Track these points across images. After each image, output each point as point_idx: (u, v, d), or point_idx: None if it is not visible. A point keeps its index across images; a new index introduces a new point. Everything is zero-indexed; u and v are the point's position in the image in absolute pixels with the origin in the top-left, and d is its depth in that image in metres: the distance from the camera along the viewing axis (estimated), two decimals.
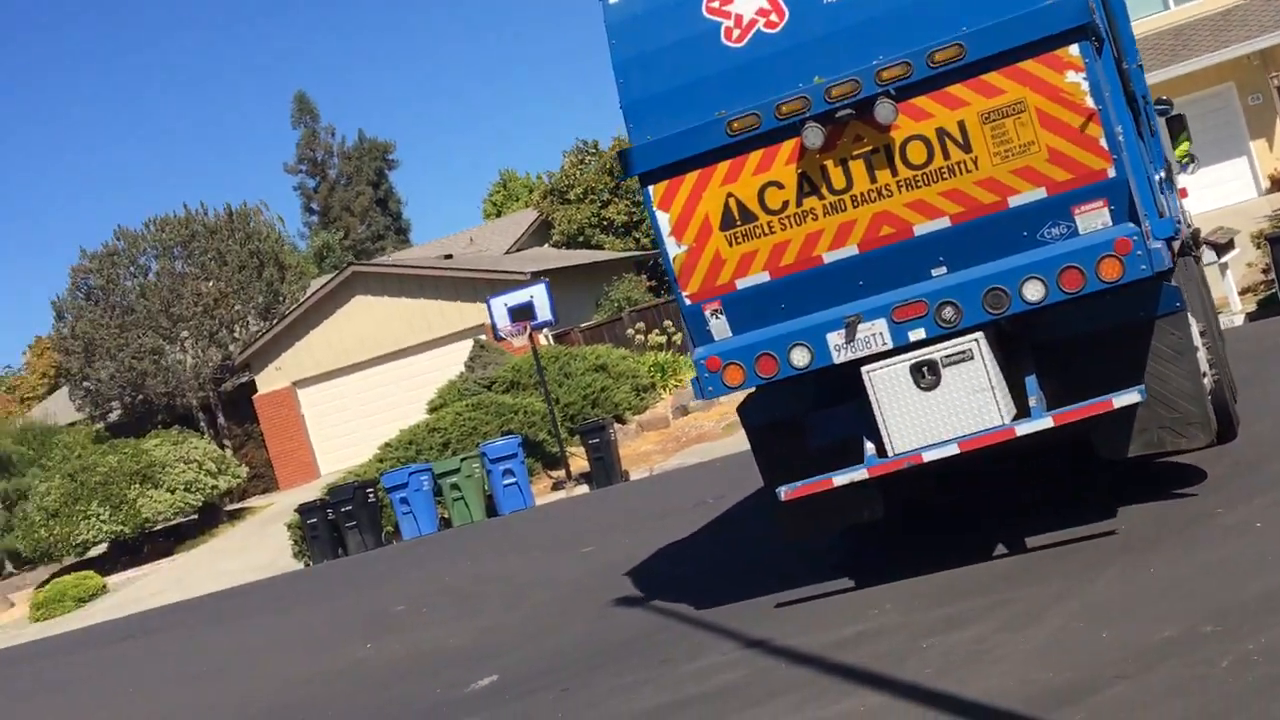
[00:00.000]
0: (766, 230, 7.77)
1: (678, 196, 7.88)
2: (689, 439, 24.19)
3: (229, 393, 35.55)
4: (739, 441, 22.36)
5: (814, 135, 7.46)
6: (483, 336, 31.31)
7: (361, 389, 34.22)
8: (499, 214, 60.09)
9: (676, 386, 29.07)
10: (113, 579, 29.54)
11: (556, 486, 23.39)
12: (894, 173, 7.48)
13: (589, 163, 40.74)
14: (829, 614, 7.75)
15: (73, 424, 38.00)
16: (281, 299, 36.03)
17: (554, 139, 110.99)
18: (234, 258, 35.38)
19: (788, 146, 7.63)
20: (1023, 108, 7.20)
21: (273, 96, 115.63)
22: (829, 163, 7.59)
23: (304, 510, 24.07)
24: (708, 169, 7.79)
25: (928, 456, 7.44)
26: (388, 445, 26.13)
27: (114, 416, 36.09)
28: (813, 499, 7.91)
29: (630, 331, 31.20)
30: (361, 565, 21.07)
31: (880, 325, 7.60)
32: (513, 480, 22.52)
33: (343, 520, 23.50)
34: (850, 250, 7.66)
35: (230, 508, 32.98)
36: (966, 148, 7.33)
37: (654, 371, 29.32)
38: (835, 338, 7.68)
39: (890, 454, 7.56)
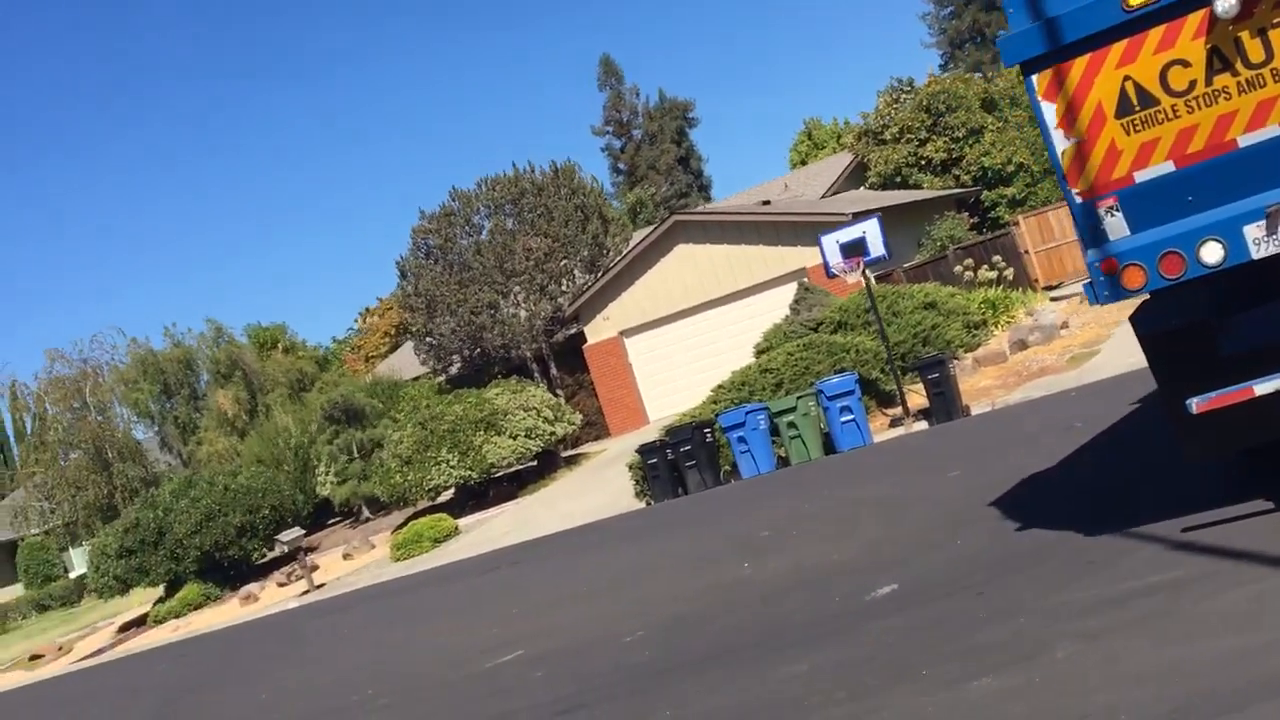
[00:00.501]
0: (1170, 114, 7.21)
1: (1066, 84, 7.37)
2: (1030, 374, 23.58)
3: (560, 344, 36.75)
4: (1084, 374, 21.73)
5: (1227, 3, 6.88)
6: (806, 279, 31.33)
7: (685, 336, 34.79)
8: (804, 163, 59.86)
9: (1009, 323, 28.40)
10: (462, 521, 31.09)
11: (894, 423, 23.22)
12: None
13: (904, 101, 40.03)
14: (1251, 535, 7.39)
15: (416, 378, 40.10)
16: (606, 251, 36.93)
17: (857, 85, 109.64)
18: (560, 213, 36.46)
19: (1194, 20, 7.08)
20: None
21: (580, 61, 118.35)
22: (1244, 34, 6.99)
23: (644, 451, 24.70)
24: (1100, 51, 7.26)
25: None
26: (720, 387, 26.49)
27: (454, 369, 37.84)
28: (1222, 413, 7.28)
29: (958, 269, 30.61)
30: (705, 501, 21.51)
31: None
32: (850, 417, 22.47)
33: (682, 460, 23.99)
34: (1271, 131, 7.02)
35: (566, 454, 34.16)
36: None
37: (984, 308, 28.71)
38: (1253, 230, 7.06)
39: None
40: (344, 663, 14.28)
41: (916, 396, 23.52)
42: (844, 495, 14.81)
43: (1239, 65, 7.05)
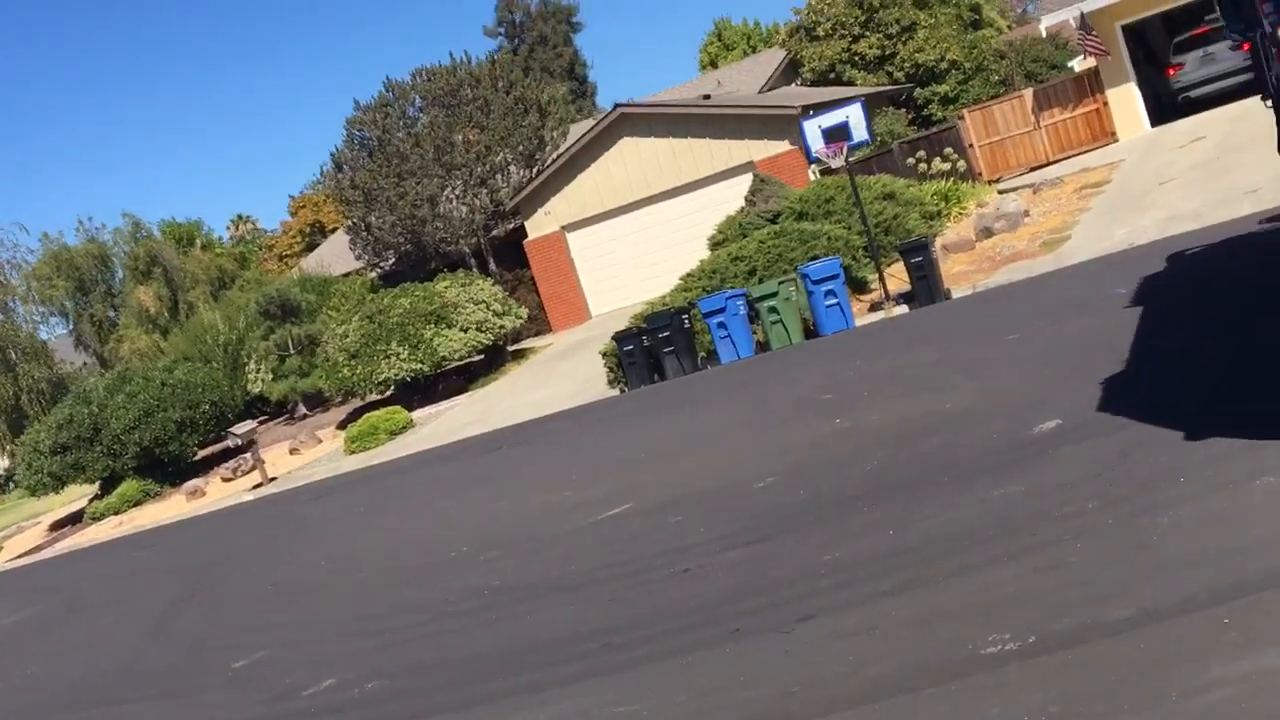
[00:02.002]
0: None
1: None
2: (1003, 259, 24.04)
3: (500, 239, 36.40)
4: (1061, 258, 22.25)
5: None
6: (759, 171, 31.36)
7: (629, 230, 34.71)
8: (714, 65, 59.69)
9: (961, 214, 28.89)
10: (415, 414, 30.83)
11: (873, 308, 23.54)
12: None
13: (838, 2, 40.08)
14: None
15: (346, 274, 39.44)
16: (544, 145, 36.54)
17: None
18: (498, 105, 35.93)
19: None
20: None
21: None
22: None
23: (621, 338, 24.69)
24: None
25: None
26: (689, 275, 26.54)
27: (389, 265, 37.28)
28: None
29: (910, 160, 30.95)
30: (695, 384, 21.64)
31: None
32: (834, 301, 22.71)
33: (660, 346, 24.06)
34: None
35: (512, 348, 33.99)
36: None
37: (937, 199, 29.17)
38: None
39: None
40: (418, 526, 14.14)
41: (894, 281, 23.85)
42: (886, 363, 15.00)
43: None
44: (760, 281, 24.52)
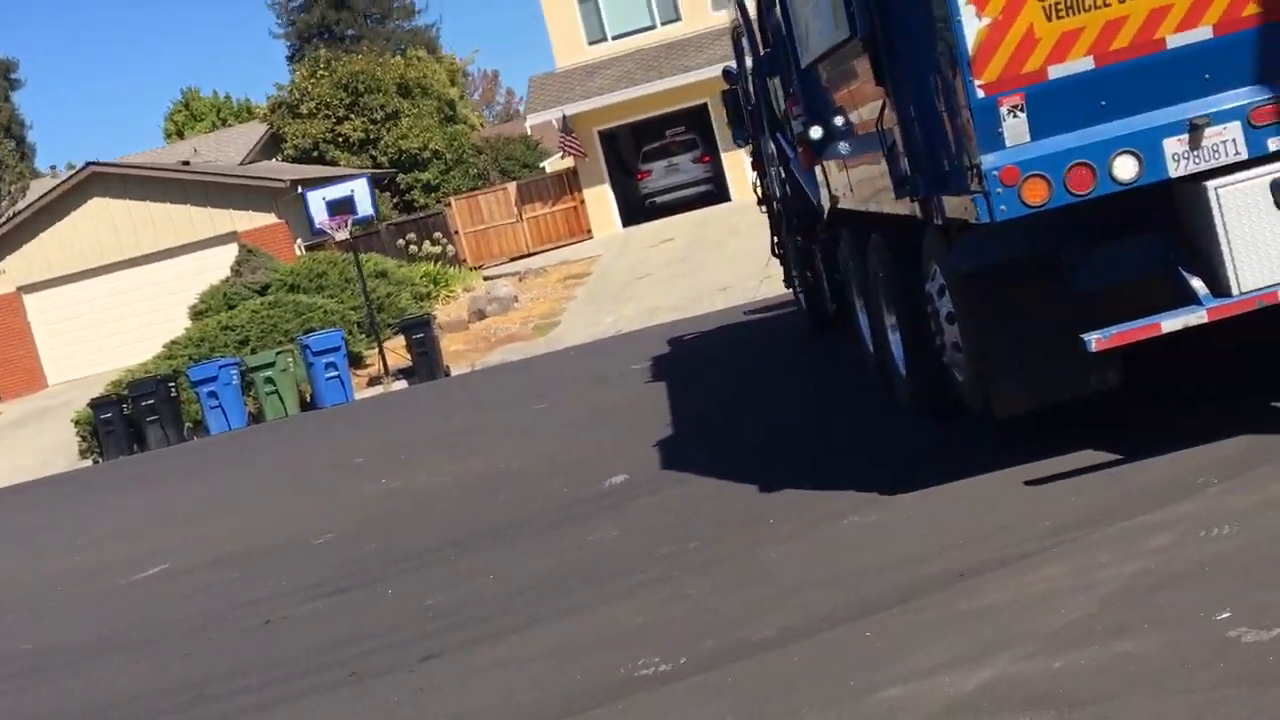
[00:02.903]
0: (1099, 2, 6.36)
1: None
2: (498, 339, 24.81)
3: None
4: (552, 341, 23.30)
5: None
6: (248, 242, 30.59)
7: (103, 295, 32.65)
8: (181, 135, 57.69)
9: (450, 297, 29.53)
10: None
11: (373, 382, 23.52)
12: None
13: (322, 78, 40.05)
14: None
15: None
16: (2, 197, 33.81)
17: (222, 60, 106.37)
18: None
19: None
20: None
21: None
22: None
23: (98, 405, 23.17)
24: None
25: None
26: (175, 343, 25.42)
27: None
28: (1029, 361, 7.06)
29: (401, 242, 31.30)
30: (188, 454, 20.67)
31: (1234, 130, 6.35)
32: (335, 374, 22.50)
33: (142, 415, 22.79)
34: (1202, 32, 6.37)
35: None
36: None
37: (427, 281, 29.69)
38: (1174, 145, 6.37)
39: (1236, 292, 6.34)
40: None
41: (392, 356, 23.94)
42: (412, 430, 15.10)
43: None
44: (253, 351, 23.87)
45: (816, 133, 10.07)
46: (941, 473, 7.39)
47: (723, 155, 32.62)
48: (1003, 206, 6.39)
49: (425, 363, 22.73)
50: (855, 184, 9.66)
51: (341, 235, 23.55)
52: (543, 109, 32.44)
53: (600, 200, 33.17)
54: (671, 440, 10.41)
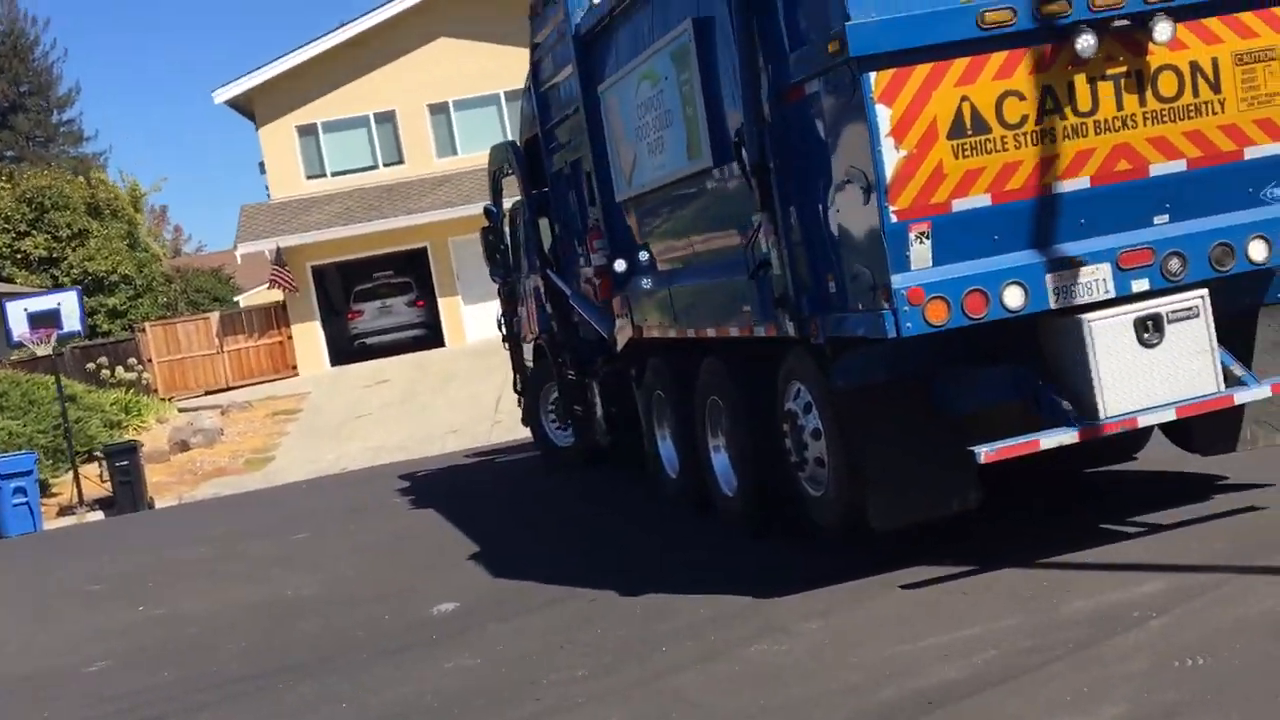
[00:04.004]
0: (999, 146, 6.89)
1: (904, 91, 6.78)
2: (205, 473, 23.22)
3: None
4: (269, 476, 21.98)
5: (1088, 42, 6.82)
6: None
7: None
8: None
9: (142, 426, 27.58)
10: None
11: (64, 511, 21.43)
12: (1142, 102, 7.03)
13: (2, 190, 37.50)
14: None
15: None
16: None
17: None
18: None
19: (1035, 53, 6.89)
20: (1274, 56, 7.17)
21: None
22: (1078, 79, 6.94)
23: None
24: (943, 63, 6.81)
25: (1143, 421, 7.06)
26: None
27: None
28: (904, 477, 7.40)
29: (91, 366, 29.14)
30: None
31: (1104, 271, 7.00)
32: (24, 500, 20.35)
33: None
34: (1082, 182, 7.03)
35: None
36: (1216, 88, 7.11)
37: (118, 408, 27.68)
38: (1053, 280, 6.96)
39: (1103, 415, 6.91)
40: None
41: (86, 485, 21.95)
42: (137, 560, 13.67)
43: (1068, 110, 6.98)
44: None
45: (621, 265, 10.58)
46: (817, 592, 7.33)
47: (439, 300, 32.17)
48: (908, 324, 6.76)
49: (127, 493, 20.91)
50: (682, 311, 9.82)
51: (44, 350, 21.72)
52: (254, 239, 31.23)
53: (309, 336, 32.00)
54: (489, 568, 9.72)
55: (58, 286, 36.69)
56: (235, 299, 43.87)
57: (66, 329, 21.49)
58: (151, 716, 7.28)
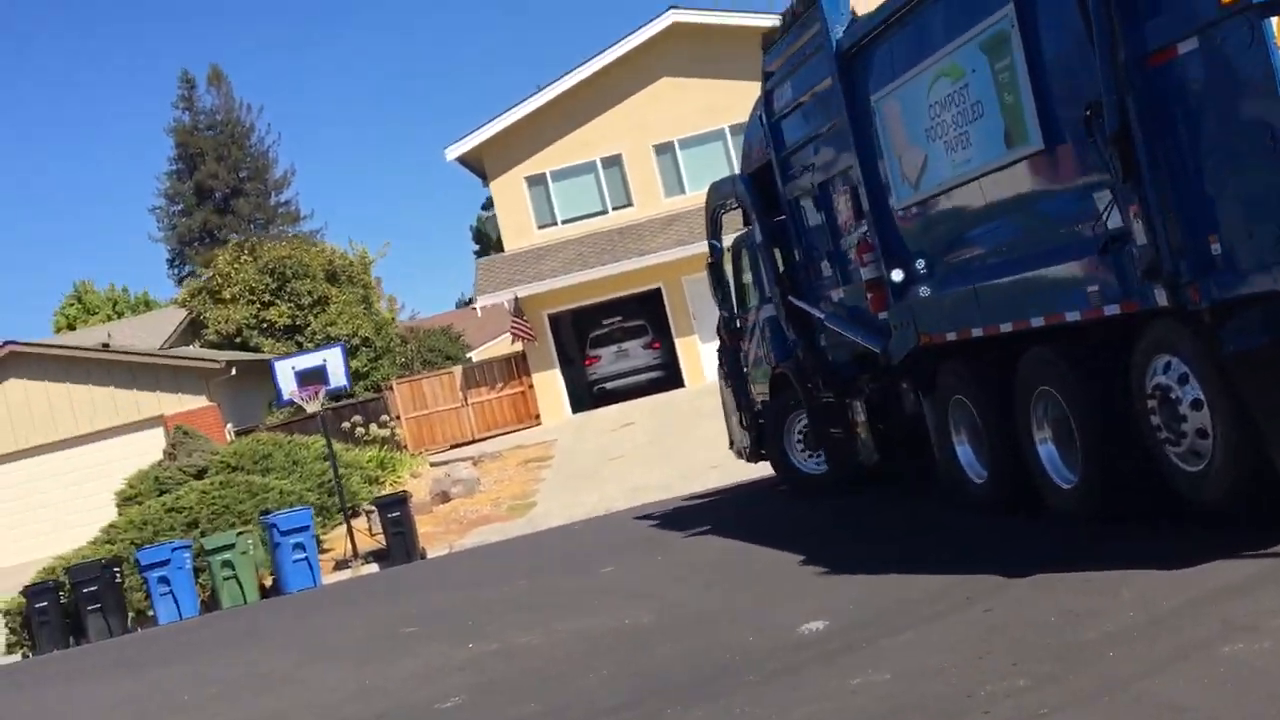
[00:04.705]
0: None
1: None
2: (471, 521, 23.23)
3: None
4: (533, 522, 21.80)
5: None
6: (182, 425, 28.73)
7: (10, 483, 30.32)
8: (73, 327, 55.51)
9: (397, 481, 27.92)
10: None
11: (339, 566, 21.69)
12: None
13: (245, 263, 38.76)
14: None
15: None
16: None
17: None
18: None
19: None
20: None
21: None
22: None
23: (33, 592, 20.92)
24: None
25: None
26: (113, 527, 23.33)
27: None
28: None
29: (346, 425, 29.68)
30: (133, 647, 18.53)
31: None
32: (303, 555, 20.68)
33: (83, 603, 20.62)
34: None
35: None
36: None
37: (374, 465, 28.11)
38: None
39: None
40: None
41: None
42: (439, 601, 13.49)
43: None
44: (203, 534, 21.93)
45: (898, 275, 10.74)
46: (1246, 581, 6.65)
47: (676, 340, 31.88)
48: None
49: (400, 543, 21.04)
50: (996, 306, 9.48)
51: (313, 407, 22.03)
52: (493, 290, 31.47)
53: (550, 385, 32.04)
54: (835, 587, 9.13)
55: (303, 352, 37.78)
56: (468, 355, 44.45)
57: (333, 384, 21.84)
58: None
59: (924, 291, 10.41)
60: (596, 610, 10.54)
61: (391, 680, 9.70)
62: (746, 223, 15.74)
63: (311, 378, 21.47)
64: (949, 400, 10.67)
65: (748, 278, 15.58)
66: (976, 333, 9.69)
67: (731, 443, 17.25)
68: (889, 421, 12.20)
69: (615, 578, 12.26)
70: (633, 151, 32.30)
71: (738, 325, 16.00)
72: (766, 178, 13.93)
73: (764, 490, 16.69)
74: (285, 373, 21.57)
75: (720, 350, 16.64)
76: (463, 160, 33.28)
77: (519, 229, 32.74)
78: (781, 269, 14.03)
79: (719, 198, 16.12)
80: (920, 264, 10.45)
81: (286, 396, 21.80)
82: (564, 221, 32.60)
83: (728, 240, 16.42)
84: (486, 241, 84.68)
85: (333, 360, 21.71)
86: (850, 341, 12.33)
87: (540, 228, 32.71)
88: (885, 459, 12.61)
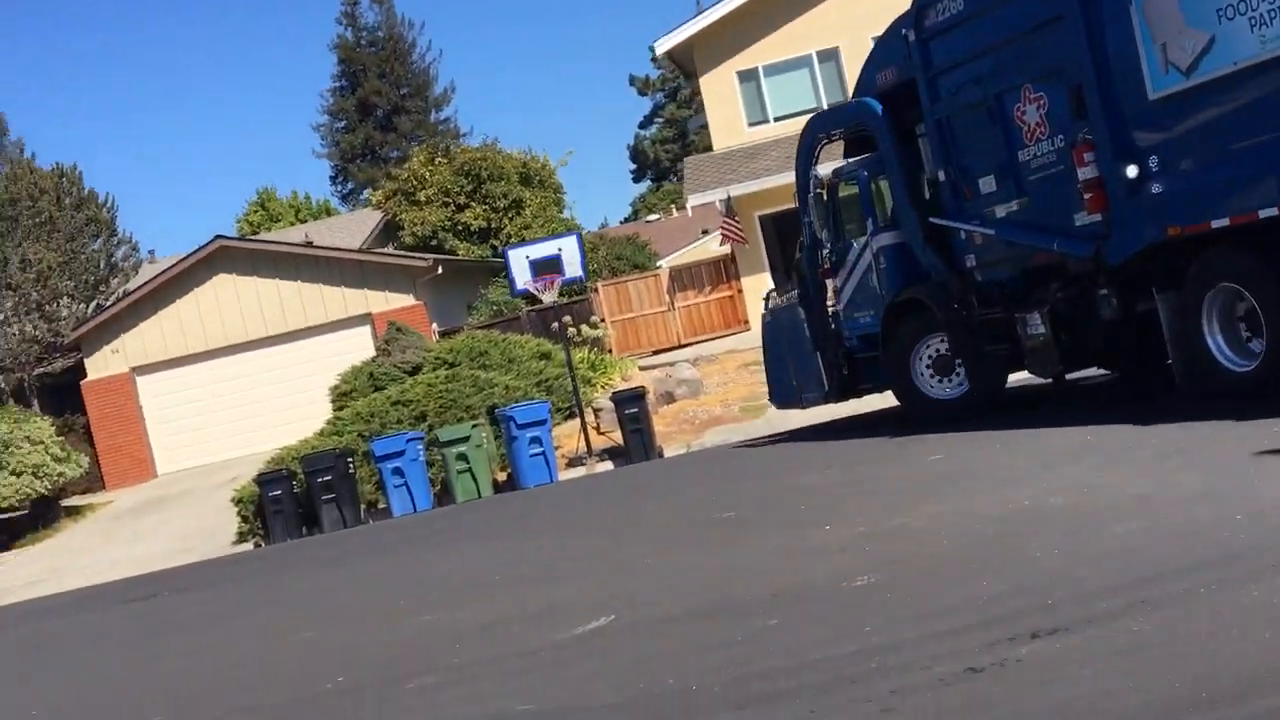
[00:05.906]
0: None
1: None
2: (703, 421, 22.33)
3: (53, 375, 30.74)
4: (771, 423, 20.75)
5: None
6: (395, 321, 28.26)
7: (220, 378, 30.28)
8: (255, 233, 55.95)
9: (608, 384, 27.09)
10: None
11: (573, 463, 20.93)
12: None
13: (441, 165, 38.16)
14: None
15: None
16: (116, 273, 31.66)
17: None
18: (65, 224, 30.81)
19: None
20: None
21: None
22: None
23: (265, 480, 20.60)
24: None
25: None
26: (339, 419, 22.91)
27: None
28: None
29: (556, 325, 28.90)
30: (380, 535, 18.02)
31: None
32: (540, 450, 19.95)
33: (318, 493, 20.21)
34: None
35: (66, 503, 28.25)
36: None
37: (586, 366, 27.30)
38: None
39: None
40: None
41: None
42: (736, 491, 12.50)
43: None
44: (431, 428, 21.35)
45: (1133, 171, 10.61)
46: None
47: None
48: None
49: (638, 441, 20.19)
50: None
51: (549, 297, 21.21)
52: (703, 190, 30.33)
53: (760, 289, 30.83)
54: None
55: (496, 256, 37.12)
56: (658, 263, 43.47)
57: (569, 275, 20.96)
58: (1055, 629, 5.77)
59: (1159, 187, 10.38)
60: (957, 497, 9.45)
61: (767, 561, 8.71)
62: (850, 154, 15.68)
63: (546, 267, 20.62)
64: (1206, 291, 10.40)
65: (852, 210, 15.07)
66: (1269, 212, 9.45)
67: (773, 394, 17.31)
68: (1077, 330, 12.09)
69: (946, 465, 11.12)
70: (851, 45, 30.61)
71: (829, 261, 15.47)
72: (900, 100, 13.77)
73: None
74: (519, 262, 20.75)
75: (800, 284, 16.04)
76: (671, 55, 32.06)
77: (729, 127, 31.48)
78: (893, 200, 14.05)
79: (821, 128, 15.68)
80: (1156, 159, 10.39)
81: (521, 286, 21.00)
82: (776, 119, 31.20)
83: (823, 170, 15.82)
84: (644, 161, 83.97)
85: (568, 249, 20.84)
86: (1019, 255, 12.33)
87: (751, 125, 31.39)
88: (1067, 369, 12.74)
